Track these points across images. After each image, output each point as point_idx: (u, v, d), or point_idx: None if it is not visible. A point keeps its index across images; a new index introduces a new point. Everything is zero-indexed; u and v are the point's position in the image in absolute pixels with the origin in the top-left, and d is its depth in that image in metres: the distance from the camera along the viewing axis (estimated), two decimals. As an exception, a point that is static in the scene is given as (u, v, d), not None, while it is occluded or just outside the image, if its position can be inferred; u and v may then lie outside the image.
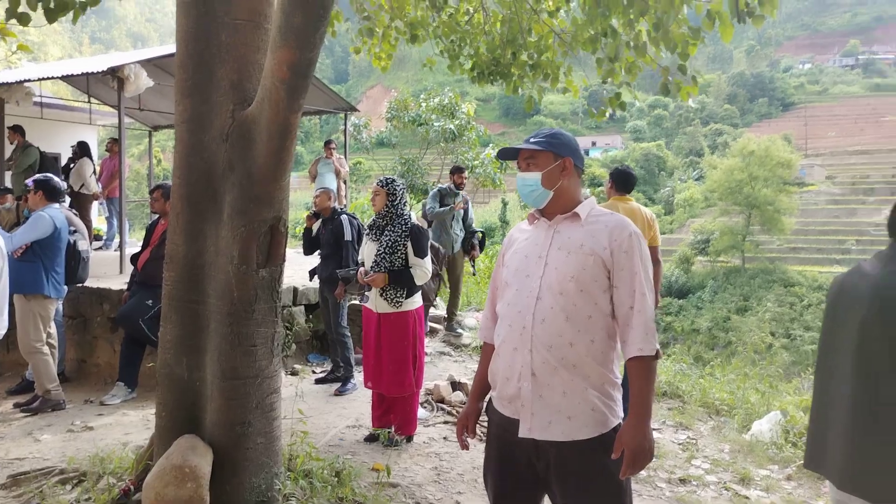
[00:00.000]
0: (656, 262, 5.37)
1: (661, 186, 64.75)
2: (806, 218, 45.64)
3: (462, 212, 7.57)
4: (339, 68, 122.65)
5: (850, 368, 2.26)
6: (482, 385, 2.44)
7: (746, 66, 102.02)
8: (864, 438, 2.21)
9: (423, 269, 4.64)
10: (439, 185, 8.01)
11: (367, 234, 4.84)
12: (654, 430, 5.44)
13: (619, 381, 2.25)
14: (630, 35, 5.11)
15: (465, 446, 2.44)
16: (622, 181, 5.44)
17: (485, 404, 2.45)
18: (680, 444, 5.07)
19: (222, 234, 3.09)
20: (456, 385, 5.92)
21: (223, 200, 3.09)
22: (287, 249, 3.35)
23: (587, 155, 76.43)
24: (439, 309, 8.75)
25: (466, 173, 8.13)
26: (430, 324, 8.23)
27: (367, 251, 4.78)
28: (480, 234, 7.86)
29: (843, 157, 62.20)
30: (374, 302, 4.69)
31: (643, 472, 4.42)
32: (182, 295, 3.16)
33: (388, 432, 4.68)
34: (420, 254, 4.64)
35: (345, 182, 11.28)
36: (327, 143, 11.10)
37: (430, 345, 7.53)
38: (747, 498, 4.16)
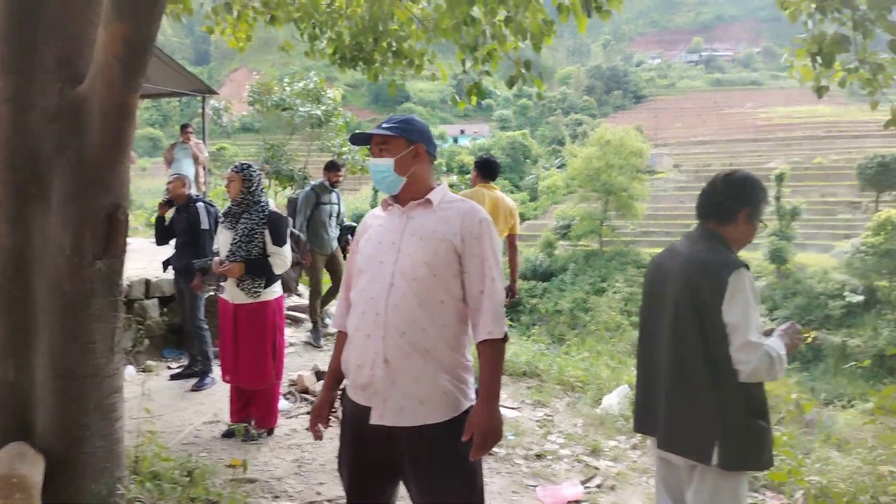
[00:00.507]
0: (515, 249, 5.55)
1: (527, 174, 66.98)
2: (656, 203, 48.89)
3: (335, 208, 7.24)
4: (200, 49, 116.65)
5: (665, 337, 2.52)
6: (336, 374, 2.40)
7: (603, 60, 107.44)
8: (675, 398, 2.46)
9: (282, 258, 4.51)
10: (312, 183, 7.45)
11: (223, 222, 4.64)
12: (513, 409, 5.64)
13: (471, 365, 2.30)
14: (490, 24, 5.19)
15: (318, 436, 2.40)
16: (486, 169, 5.57)
17: (340, 393, 2.42)
18: (537, 421, 5.28)
19: (52, 223, 2.84)
20: (320, 375, 5.83)
21: (51, 186, 2.83)
22: (140, 239, 3.14)
23: (456, 143, 77.76)
24: (305, 298, 8.56)
25: (344, 171, 7.71)
26: (297, 314, 8.06)
27: (223, 240, 4.58)
28: (354, 227, 7.68)
29: (689, 146, 67.12)
30: (231, 292, 4.51)
31: (501, 451, 4.57)
32: (6, 289, 2.88)
33: (245, 427, 4.53)
34: (279, 242, 4.51)
35: (204, 168, 10.74)
36: (184, 127, 10.53)
37: (296, 335, 7.38)
38: (597, 468, 4.41)
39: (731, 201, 2.51)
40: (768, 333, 2.53)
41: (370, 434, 2.19)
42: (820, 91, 3.86)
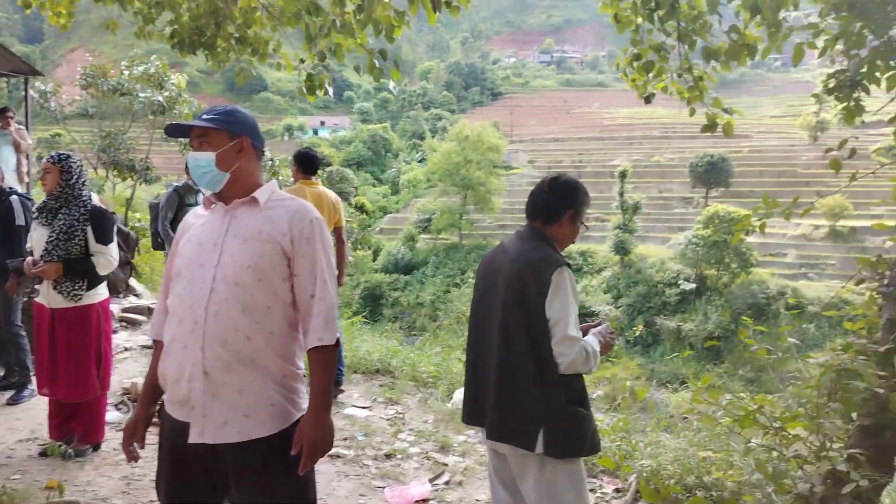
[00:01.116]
0: (341, 242, 5.45)
1: (388, 167, 67.03)
2: (512, 198, 50.55)
3: None
4: (31, 26, 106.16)
5: (494, 331, 2.60)
6: (153, 389, 2.20)
7: (462, 56, 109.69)
8: (501, 389, 2.56)
9: (107, 258, 4.13)
10: (174, 184, 6.58)
11: (36, 218, 4.17)
12: (364, 408, 5.53)
13: (303, 373, 2.18)
14: (337, 14, 5.04)
15: (132, 457, 2.19)
16: (306, 163, 5.42)
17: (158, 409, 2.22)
18: (388, 419, 5.23)
19: None
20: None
21: None
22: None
23: (316, 134, 76.18)
24: (144, 299, 8.00)
25: None
26: (134, 315, 7.50)
27: (37, 237, 4.13)
28: None
29: (542, 143, 70.02)
30: (47, 296, 4.08)
31: (350, 452, 4.48)
32: None
33: (62, 444, 4.12)
34: (103, 240, 4.12)
35: (27, 156, 9.72)
36: (3, 112, 9.46)
37: (132, 338, 6.85)
38: (445, 465, 4.43)
39: (556, 203, 2.67)
40: (585, 332, 2.66)
41: (190, 453, 2.02)
42: (647, 98, 4.08)
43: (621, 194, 39.92)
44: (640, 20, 4.04)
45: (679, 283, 35.59)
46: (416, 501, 3.90)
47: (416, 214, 49.22)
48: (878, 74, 3.15)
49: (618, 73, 4.49)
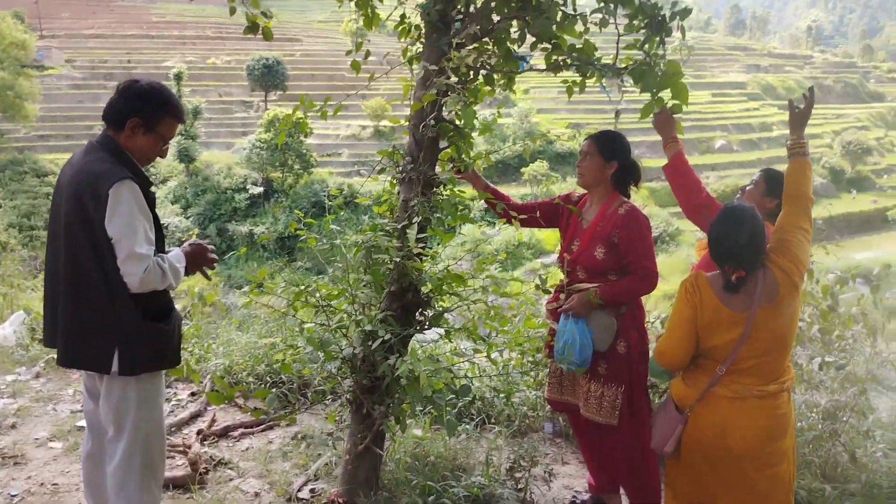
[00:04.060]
0: None
1: None
2: (50, 104, 43.80)
3: None
4: None
5: (62, 251, 2.43)
6: None
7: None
8: (72, 314, 2.44)
9: None
10: None
11: None
12: None
13: None
14: None
15: None
16: None
17: None
18: None
19: None
20: None
21: None
22: None
23: None
24: None
25: None
26: None
27: None
28: None
29: (81, 40, 61.22)
30: None
31: None
32: None
33: None
34: None
35: None
36: None
37: None
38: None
39: (122, 109, 2.49)
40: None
41: None
42: None
43: (179, 97, 37.80)
44: None
45: (247, 187, 35.97)
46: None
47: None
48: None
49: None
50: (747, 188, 3.44)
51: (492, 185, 3.47)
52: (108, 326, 2.40)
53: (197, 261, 2.70)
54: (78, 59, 54.78)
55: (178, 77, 38.53)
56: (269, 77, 45.17)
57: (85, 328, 2.41)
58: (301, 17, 71.52)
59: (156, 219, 2.53)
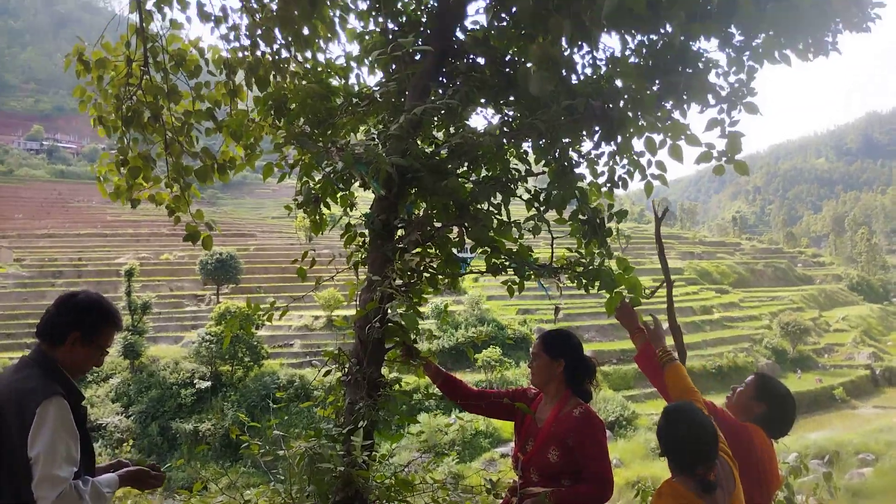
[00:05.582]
0: None
1: None
2: (-4, 303, 43.13)
3: None
4: None
5: None
6: None
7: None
8: None
9: None
10: None
11: None
12: None
13: None
14: None
15: None
16: None
17: None
18: None
19: None
20: None
21: None
22: None
23: None
24: None
25: None
26: None
27: None
28: None
29: (32, 239, 61.74)
30: None
31: None
32: None
33: None
34: None
35: None
36: None
37: None
38: None
39: (61, 323, 2.44)
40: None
41: None
42: (133, 203, 4.07)
43: (129, 294, 37.64)
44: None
45: (195, 382, 34.82)
46: None
47: None
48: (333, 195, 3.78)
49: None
50: (737, 389, 3.39)
51: (444, 370, 3.44)
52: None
53: (138, 486, 2.56)
54: (27, 257, 54.77)
55: (130, 273, 38.60)
56: (221, 271, 45.66)
57: None
58: (256, 214, 74.09)
59: (85, 436, 2.41)
